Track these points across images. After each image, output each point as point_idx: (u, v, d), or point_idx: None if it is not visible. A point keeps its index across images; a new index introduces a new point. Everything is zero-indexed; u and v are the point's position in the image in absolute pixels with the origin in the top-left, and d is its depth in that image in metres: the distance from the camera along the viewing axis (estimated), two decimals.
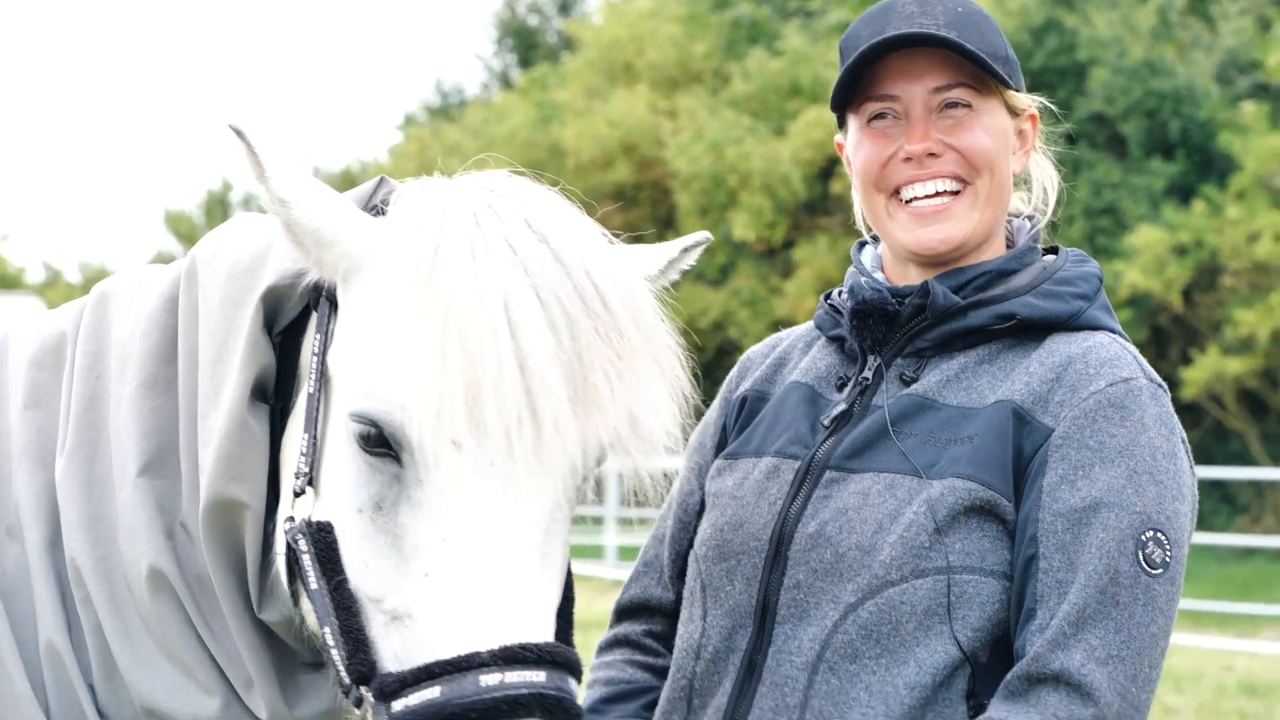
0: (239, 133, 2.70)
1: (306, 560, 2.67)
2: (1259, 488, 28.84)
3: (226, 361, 2.88)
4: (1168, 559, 2.97)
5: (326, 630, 2.65)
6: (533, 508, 2.62)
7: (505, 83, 52.84)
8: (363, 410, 2.62)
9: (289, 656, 2.93)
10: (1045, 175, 3.37)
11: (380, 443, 2.61)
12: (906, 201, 3.20)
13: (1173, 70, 30.02)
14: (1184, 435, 3.12)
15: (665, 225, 40.47)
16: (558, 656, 2.54)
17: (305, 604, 2.75)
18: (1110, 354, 3.08)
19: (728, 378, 3.56)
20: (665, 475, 2.80)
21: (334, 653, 2.64)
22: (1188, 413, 30.22)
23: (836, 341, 3.35)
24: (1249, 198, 28.16)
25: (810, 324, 3.52)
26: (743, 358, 3.59)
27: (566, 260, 2.65)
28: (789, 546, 3.11)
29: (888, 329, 3.21)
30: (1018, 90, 3.25)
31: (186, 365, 2.94)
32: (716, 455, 3.42)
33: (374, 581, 2.63)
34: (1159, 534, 2.96)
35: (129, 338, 3.01)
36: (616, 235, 2.88)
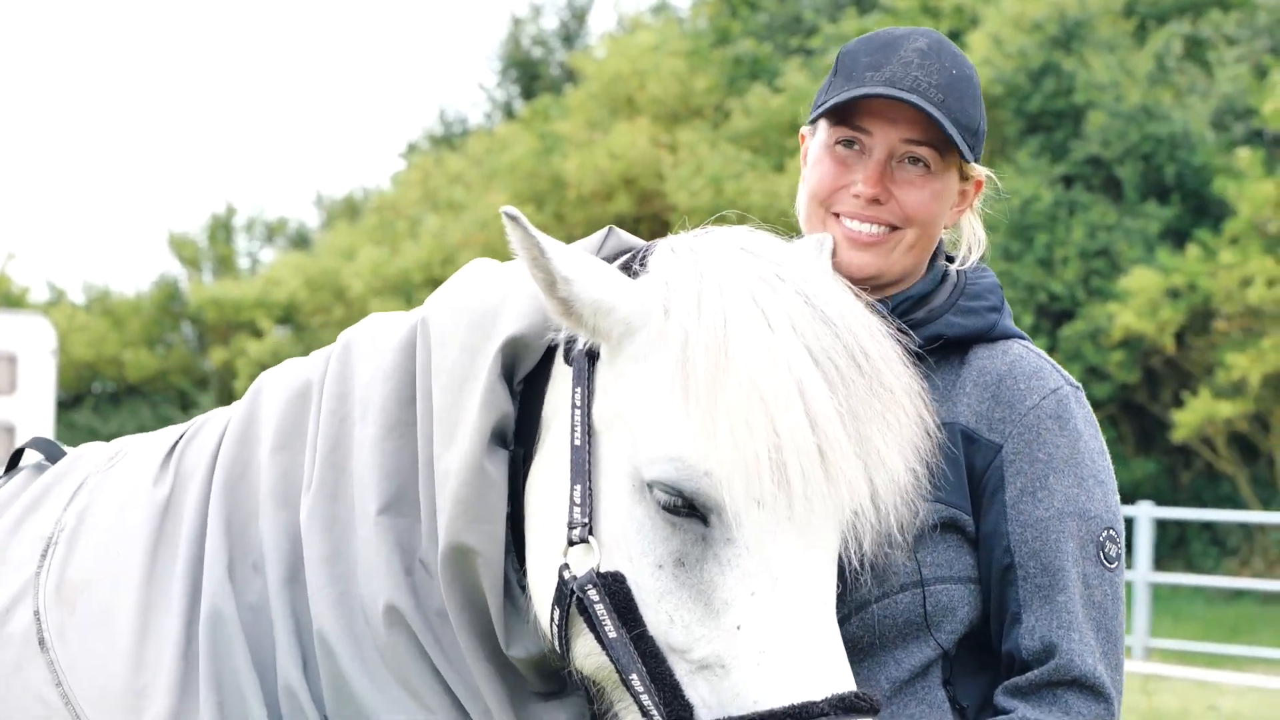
0: (514, 218, 2.83)
1: (600, 610, 2.79)
2: (1248, 530, 28.85)
3: (462, 406, 3.00)
4: (1120, 550, 3.39)
5: (634, 677, 2.77)
6: (824, 554, 2.80)
7: (508, 113, 52.91)
8: (668, 478, 2.75)
9: (520, 686, 3.06)
10: (976, 235, 3.62)
11: (685, 504, 2.75)
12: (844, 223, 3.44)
13: (1169, 115, 30.08)
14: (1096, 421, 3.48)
15: None
16: (877, 704, 2.74)
17: (585, 647, 2.88)
18: (1032, 366, 3.40)
19: None
20: (914, 512, 2.95)
21: (644, 698, 2.77)
22: (1179, 454, 30.29)
23: None
24: (1242, 243, 28.27)
25: None
26: None
27: (833, 320, 2.83)
28: None
29: None
30: (976, 162, 3.49)
31: (423, 409, 3.07)
32: None
33: (680, 633, 2.76)
34: (1111, 530, 3.36)
35: (369, 382, 3.16)
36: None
